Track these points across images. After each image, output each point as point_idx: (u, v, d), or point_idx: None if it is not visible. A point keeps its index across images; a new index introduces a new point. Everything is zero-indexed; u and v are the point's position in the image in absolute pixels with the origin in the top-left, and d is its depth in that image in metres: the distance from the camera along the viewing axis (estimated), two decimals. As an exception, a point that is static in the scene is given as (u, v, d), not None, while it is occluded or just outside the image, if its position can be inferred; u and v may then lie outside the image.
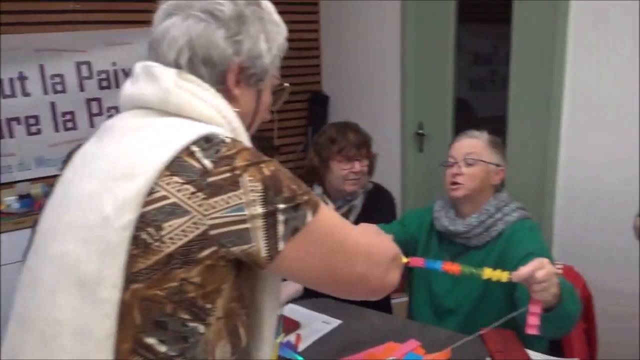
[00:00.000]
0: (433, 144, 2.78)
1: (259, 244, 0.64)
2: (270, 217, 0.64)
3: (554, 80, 2.13)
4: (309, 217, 0.67)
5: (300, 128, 3.40)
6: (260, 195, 0.63)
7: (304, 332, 1.44)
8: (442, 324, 1.52)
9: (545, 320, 1.11)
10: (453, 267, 1.10)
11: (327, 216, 0.71)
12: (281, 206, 0.64)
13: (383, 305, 1.94)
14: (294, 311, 1.56)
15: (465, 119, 3.25)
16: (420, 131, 2.87)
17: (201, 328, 0.64)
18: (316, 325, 1.48)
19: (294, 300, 1.64)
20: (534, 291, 1.03)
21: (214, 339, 0.66)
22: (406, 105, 2.87)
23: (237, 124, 0.73)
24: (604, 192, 2.00)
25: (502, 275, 1.04)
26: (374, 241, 0.79)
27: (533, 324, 1.04)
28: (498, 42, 3.16)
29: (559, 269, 1.64)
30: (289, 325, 1.44)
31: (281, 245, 0.65)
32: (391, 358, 1.21)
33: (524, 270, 1.02)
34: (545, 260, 1.04)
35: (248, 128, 0.78)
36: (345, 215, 1.81)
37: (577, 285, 1.61)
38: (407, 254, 1.63)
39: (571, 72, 2.10)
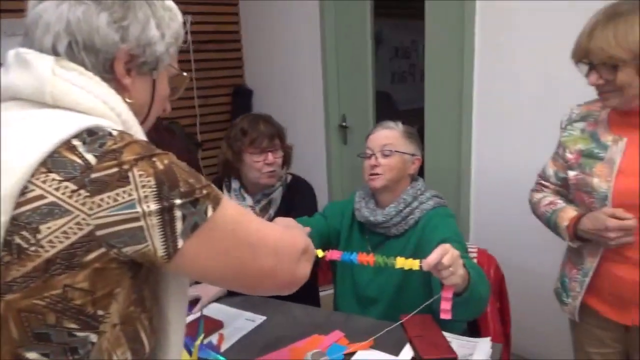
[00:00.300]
0: (356, 136, 2.82)
1: (155, 243, 0.60)
2: (165, 213, 0.59)
3: (465, 74, 2.23)
4: (210, 212, 0.63)
5: (223, 123, 3.32)
6: (154, 191, 0.59)
7: (227, 331, 1.41)
8: (366, 313, 1.55)
9: (458, 304, 1.16)
10: (367, 258, 1.13)
11: (230, 210, 0.67)
12: (178, 201, 0.60)
13: (311, 298, 1.95)
14: (217, 310, 1.52)
15: (387, 111, 3.33)
16: (344, 124, 2.90)
17: (93, 337, 0.60)
18: (240, 323, 1.45)
19: (218, 300, 1.60)
20: (443, 277, 1.07)
21: (110, 347, 0.62)
22: (329, 98, 2.88)
23: (129, 115, 0.67)
24: (515, 177, 2.12)
25: (413, 264, 1.07)
26: (281, 234, 0.77)
27: (446, 308, 1.08)
28: (417, 37, 3.27)
29: (472, 252, 1.73)
30: (210, 325, 1.40)
31: (180, 243, 0.61)
32: (314, 350, 1.21)
33: (431, 258, 1.05)
34: (447, 246, 1.08)
35: (144, 120, 0.73)
36: (265, 209, 1.79)
37: (490, 266, 1.70)
38: (329, 246, 1.67)
39: (480, 66, 2.20)
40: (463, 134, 2.29)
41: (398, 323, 1.27)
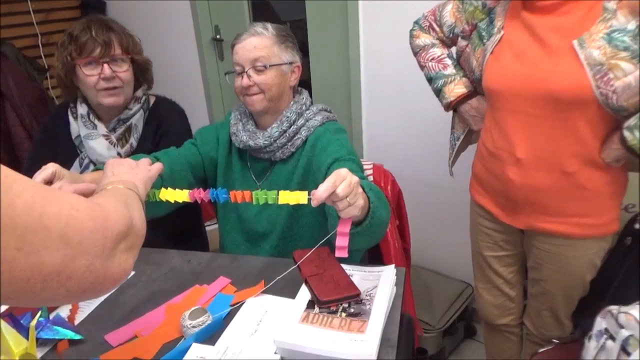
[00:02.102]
0: (234, 51, 2.49)
1: None
2: None
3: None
4: None
5: (73, 43, 2.77)
6: None
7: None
8: (257, 250, 1.36)
9: (358, 234, 0.99)
10: (243, 195, 0.91)
11: None
12: None
13: (195, 234, 1.71)
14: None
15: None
16: (218, 36, 2.53)
17: None
18: (100, 284, 1.19)
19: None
20: (339, 209, 0.88)
21: None
22: (197, 7, 2.48)
23: None
24: (405, 87, 1.98)
25: (300, 197, 0.87)
26: (76, 211, 0.50)
27: (342, 245, 0.90)
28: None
29: (367, 169, 1.58)
30: (60, 293, 1.12)
31: None
32: (193, 308, 1.00)
33: (322, 190, 0.84)
34: (343, 172, 0.88)
35: None
36: (124, 138, 1.46)
37: (387, 183, 1.58)
38: (206, 178, 1.42)
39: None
40: (350, 42, 2.06)
41: (295, 267, 1.08)
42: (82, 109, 1.47)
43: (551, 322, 1.37)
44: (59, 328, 0.99)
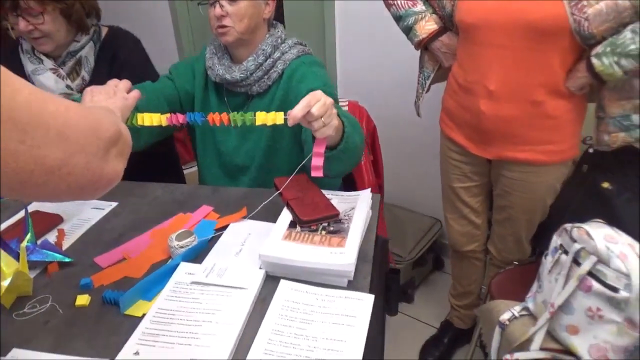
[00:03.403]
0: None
1: None
2: None
3: None
4: None
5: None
6: None
7: (68, 225, 1.17)
8: (236, 184, 1.40)
9: (333, 158, 1.04)
10: (221, 117, 0.93)
11: None
12: None
13: (173, 174, 1.74)
14: (50, 204, 1.25)
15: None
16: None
17: None
18: (84, 214, 1.21)
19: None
20: (314, 129, 0.92)
21: None
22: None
23: None
24: (379, 22, 1.99)
25: (276, 118, 0.90)
26: (76, 111, 0.53)
27: (317, 165, 0.95)
28: None
29: (343, 105, 1.62)
30: (45, 221, 1.15)
31: None
32: (180, 230, 1.04)
33: (297, 109, 0.88)
34: (318, 93, 0.91)
35: None
36: (75, 71, 1.45)
37: (362, 119, 1.62)
38: (183, 112, 1.42)
39: None
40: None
41: (275, 195, 1.13)
42: (26, 45, 1.44)
43: (513, 246, 1.47)
44: (48, 251, 1.02)
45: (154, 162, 1.46)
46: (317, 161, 0.95)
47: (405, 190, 2.24)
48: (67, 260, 1.03)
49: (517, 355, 1.18)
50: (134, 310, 0.90)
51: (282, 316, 0.86)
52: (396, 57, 1.99)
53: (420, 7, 1.38)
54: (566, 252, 1.13)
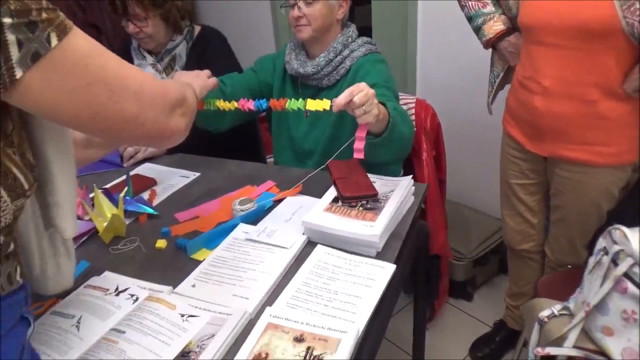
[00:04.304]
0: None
1: None
2: None
3: None
4: (54, 41, 0.56)
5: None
6: None
7: (160, 187, 1.41)
8: (303, 165, 1.57)
9: (378, 144, 1.16)
10: (279, 103, 1.10)
11: (82, 42, 0.59)
12: (7, 20, 0.52)
13: (253, 158, 1.95)
14: (151, 169, 1.51)
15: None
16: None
17: None
18: (173, 180, 1.46)
19: (152, 159, 1.59)
20: (357, 116, 1.05)
21: None
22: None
23: None
24: (460, 31, 2.04)
25: (325, 104, 1.04)
26: (148, 80, 0.69)
27: (358, 147, 1.07)
28: None
29: (410, 102, 1.72)
30: (142, 183, 1.40)
31: (18, 73, 0.54)
32: (242, 198, 1.23)
33: (341, 97, 1.01)
34: (362, 85, 1.04)
35: None
36: (170, 66, 1.71)
37: (427, 115, 1.70)
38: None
39: None
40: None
41: (322, 167, 1.28)
42: (134, 43, 1.73)
43: (567, 248, 1.47)
44: (141, 205, 1.27)
45: (236, 142, 1.68)
46: (359, 144, 1.08)
47: (473, 190, 2.26)
48: (154, 213, 1.26)
49: (548, 349, 1.21)
50: (197, 255, 1.10)
51: (312, 272, 1.00)
52: (471, 58, 2.03)
53: (489, 8, 1.44)
54: (607, 253, 1.13)
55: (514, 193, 1.53)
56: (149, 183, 1.41)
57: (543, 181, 1.48)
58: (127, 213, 1.24)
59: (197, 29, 1.76)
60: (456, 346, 1.86)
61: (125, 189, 1.27)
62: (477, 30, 1.47)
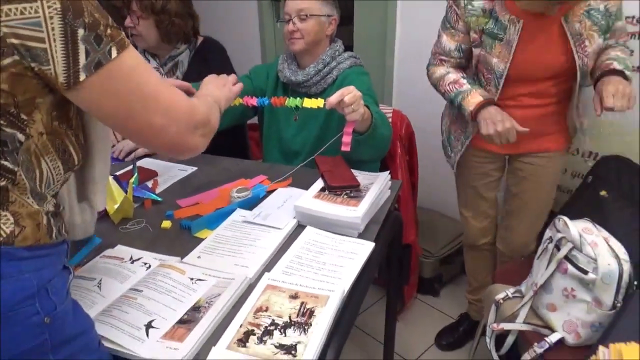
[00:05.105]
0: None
1: (57, 69, 0.66)
2: (69, 40, 0.65)
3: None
4: (114, 54, 0.68)
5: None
6: (59, 13, 0.64)
7: (161, 179, 1.55)
8: (290, 164, 1.73)
9: (362, 142, 1.34)
10: (279, 100, 1.27)
11: (132, 58, 0.72)
12: (81, 31, 0.65)
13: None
14: (152, 163, 1.65)
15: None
16: (276, -3, 2.88)
17: (20, 136, 0.69)
18: (173, 172, 1.60)
19: (150, 155, 1.72)
20: (346, 113, 1.22)
21: (38, 151, 0.72)
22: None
23: None
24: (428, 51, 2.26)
25: (319, 102, 1.22)
26: (180, 99, 0.80)
27: (346, 141, 1.25)
28: None
29: (388, 112, 1.91)
30: (145, 174, 1.54)
31: (82, 76, 0.67)
32: (240, 186, 1.38)
33: (333, 96, 1.19)
34: (351, 87, 1.22)
35: None
36: (172, 72, 1.86)
37: (402, 124, 1.90)
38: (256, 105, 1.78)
39: None
40: (389, 12, 2.36)
41: (310, 159, 1.46)
42: (139, 48, 1.87)
43: (521, 238, 1.68)
44: (146, 191, 1.41)
45: (226, 143, 1.83)
46: (346, 138, 1.25)
47: (442, 196, 2.45)
48: (158, 199, 1.40)
49: (502, 325, 1.39)
50: (201, 234, 1.24)
51: (304, 248, 1.16)
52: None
53: (466, 86, 1.49)
54: (552, 241, 1.33)
55: (478, 194, 1.73)
56: (152, 174, 1.55)
57: (500, 177, 1.69)
58: (133, 198, 1.37)
59: (200, 39, 1.92)
60: (424, 336, 2.03)
61: (135, 175, 1.40)
62: (460, 107, 1.50)
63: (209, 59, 1.87)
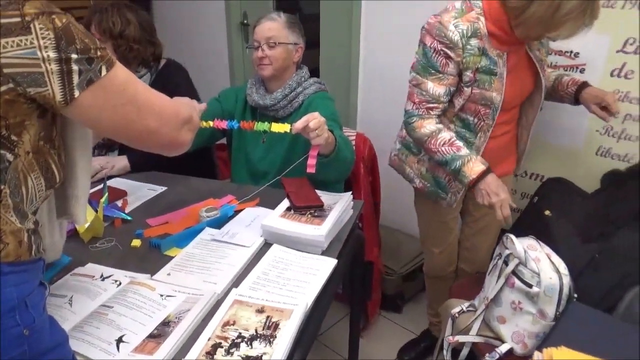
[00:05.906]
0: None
1: (54, 89, 0.72)
2: (64, 64, 0.71)
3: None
4: (104, 72, 0.77)
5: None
6: (53, 43, 0.70)
7: (131, 198, 1.59)
8: (257, 185, 1.79)
9: (326, 164, 1.42)
10: (249, 125, 1.34)
11: (122, 73, 0.80)
12: (74, 56, 0.73)
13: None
14: (121, 183, 1.68)
15: (290, 13, 3.39)
16: (245, 21, 2.96)
17: (9, 156, 0.74)
18: (142, 192, 1.64)
19: (121, 175, 1.75)
20: (311, 138, 1.30)
21: (24, 169, 0.77)
22: (230, -5, 2.91)
23: None
24: (397, 75, 2.39)
25: (285, 127, 1.30)
26: (167, 102, 0.90)
27: (311, 164, 1.32)
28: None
29: (352, 135, 2.00)
30: (115, 194, 1.57)
31: (77, 93, 0.75)
32: (209, 206, 1.44)
33: (299, 122, 1.27)
34: (316, 114, 1.30)
35: None
36: None
37: (365, 146, 1.99)
38: (225, 128, 1.84)
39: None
40: (353, 37, 2.48)
41: (276, 178, 1.54)
42: None
43: (487, 256, 1.78)
44: (116, 210, 1.44)
45: (194, 163, 1.88)
46: (311, 161, 1.33)
47: (404, 215, 2.55)
48: (128, 218, 1.44)
49: (457, 337, 1.48)
50: (170, 252, 1.29)
51: (270, 264, 1.22)
52: (404, 101, 2.37)
53: (464, 151, 1.47)
54: (501, 257, 1.44)
55: (448, 228, 1.79)
56: (121, 194, 1.58)
57: (460, 202, 1.79)
58: (103, 217, 1.41)
59: (162, 62, 1.96)
60: (387, 352, 2.10)
61: (106, 195, 1.44)
62: (457, 172, 1.48)
63: (171, 80, 1.91)
